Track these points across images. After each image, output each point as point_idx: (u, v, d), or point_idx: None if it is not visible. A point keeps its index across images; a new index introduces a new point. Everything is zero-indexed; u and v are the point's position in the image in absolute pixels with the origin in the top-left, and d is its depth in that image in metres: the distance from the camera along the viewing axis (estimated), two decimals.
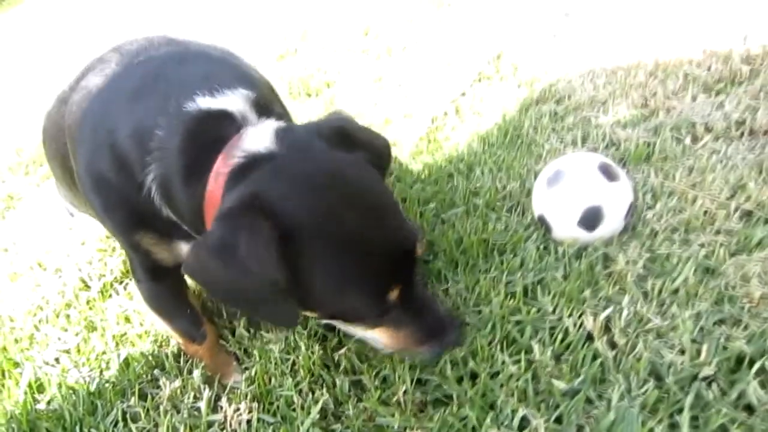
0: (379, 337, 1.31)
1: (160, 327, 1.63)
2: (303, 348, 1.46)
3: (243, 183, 1.13)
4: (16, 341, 1.75)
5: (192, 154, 1.21)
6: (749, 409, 1.15)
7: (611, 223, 1.60)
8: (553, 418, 1.20)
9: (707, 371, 1.20)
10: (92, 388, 1.53)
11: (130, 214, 1.34)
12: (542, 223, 1.70)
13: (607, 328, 1.37)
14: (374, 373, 1.38)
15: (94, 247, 2.08)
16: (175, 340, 1.60)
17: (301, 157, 1.17)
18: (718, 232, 1.59)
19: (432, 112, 2.63)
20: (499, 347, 1.37)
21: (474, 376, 1.32)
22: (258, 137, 1.19)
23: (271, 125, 1.22)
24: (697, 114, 2.10)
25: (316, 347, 1.46)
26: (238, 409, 1.36)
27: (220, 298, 1.36)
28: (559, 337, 1.36)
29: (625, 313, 1.37)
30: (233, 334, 1.61)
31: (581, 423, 1.19)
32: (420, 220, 1.87)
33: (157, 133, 1.23)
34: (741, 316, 1.32)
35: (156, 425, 1.38)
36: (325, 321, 1.43)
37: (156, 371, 1.56)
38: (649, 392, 1.19)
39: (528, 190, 1.87)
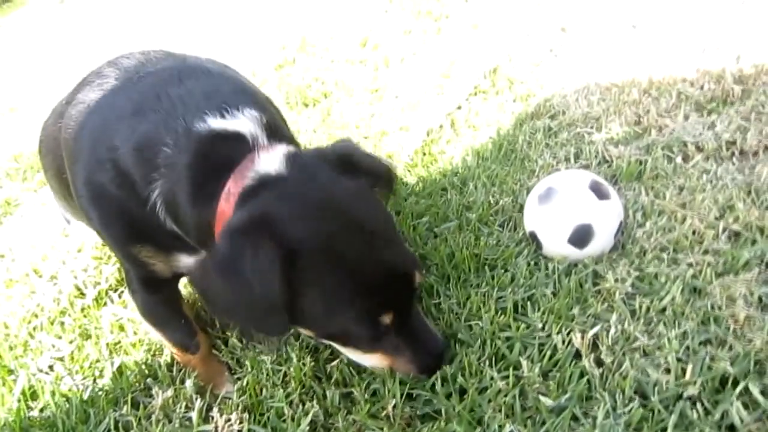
0: (375, 363, 1.35)
1: (154, 336, 1.65)
2: (295, 359, 1.47)
3: (251, 203, 1.17)
4: (11, 348, 1.76)
5: (203, 173, 1.24)
6: (732, 429, 1.17)
7: (601, 241, 1.62)
8: None
9: (692, 391, 1.22)
10: (85, 396, 1.54)
11: (129, 226, 1.37)
12: (533, 240, 1.72)
13: (594, 345, 1.39)
14: (364, 386, 1.39)
15: (90, 254, 2.10)
16: (169, 349, 1.62)
17: (308, 182, 1.22)
18: (706, 252, 1.61)
19: (428, 125, 2.65)
20: (488, 363, 1.39)
21: (463, 392, 1.34)
22: (269, 161, 1.23)
23: (281, 150, 1.26)
24: (688, 133, 2.12)
25: (308, 359, 1.48)
26: (230, 420, 1.38)
27: (217, 311, 1.39)
28: (548, 353, 1.38)
29: (612, 330, 1.39)
30: (226, 344, 1.63)
31: None
32: (413, 233, 1.89)
33: (165, 150, 1.25)
34: (726, 337, 1.34)
35: None
36: (322, 342, 1.45)
37: (149, 380, 1.58)
38: (633, 410, 1.21)
39: (520, 206, 1.89)
